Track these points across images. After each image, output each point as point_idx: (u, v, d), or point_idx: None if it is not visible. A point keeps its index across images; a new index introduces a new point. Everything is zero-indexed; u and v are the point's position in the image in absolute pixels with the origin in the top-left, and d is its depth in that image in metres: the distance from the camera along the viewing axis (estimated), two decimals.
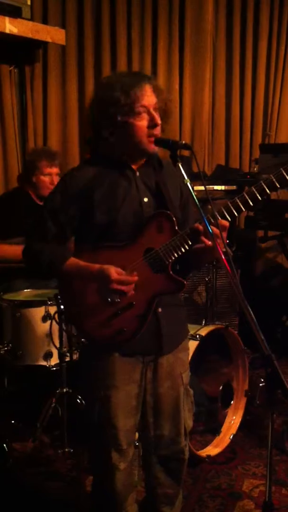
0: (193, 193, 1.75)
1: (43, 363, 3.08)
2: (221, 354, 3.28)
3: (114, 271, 1.83)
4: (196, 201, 1.72)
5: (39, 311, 3.06)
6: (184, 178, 1.77)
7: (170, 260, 1.89)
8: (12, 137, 4.05)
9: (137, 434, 2.19)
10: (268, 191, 1.81)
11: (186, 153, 4.16)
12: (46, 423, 3.03)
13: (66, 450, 2.96)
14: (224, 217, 1.85)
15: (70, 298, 2.01)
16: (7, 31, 3.58)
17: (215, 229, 1.74)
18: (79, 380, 2.97)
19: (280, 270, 4.94)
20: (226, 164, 4.99)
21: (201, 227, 1.82)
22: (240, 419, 3.14)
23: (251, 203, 1.83)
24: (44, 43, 4.00)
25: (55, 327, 2.99)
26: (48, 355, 3.06)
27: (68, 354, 3.00)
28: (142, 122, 1.86)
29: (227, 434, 3.08)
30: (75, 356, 3.09)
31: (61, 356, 2.96)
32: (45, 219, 1.96)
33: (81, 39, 4.34)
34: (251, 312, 1.50)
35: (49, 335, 3.03)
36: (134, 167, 1.97)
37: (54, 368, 3.06)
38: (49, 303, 3.05)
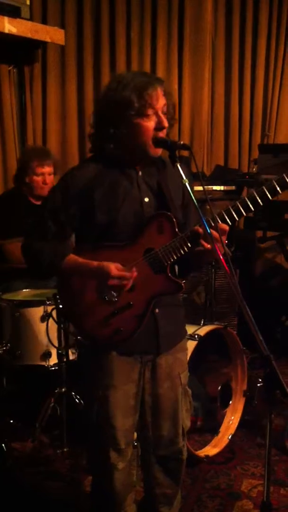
0: (191, 194, 1.75)
1: (42, 363, 3.08)
2: (220, 354, 3.28)
3: (113, 267, 1.84)
4: (195, 202, 1.72)
5: (38, 311, 3.07)
6: (182, 178, 1.77)
7: (169, 262, 1.89)
8: (11, 137, 4.05)
9: (135, 434, 2.19)
10: (269, 196, 1.81)
11: (185, 153, 4.16)
12: (45, 423, 3.03)
13: (65, 450, 2.97)
14: (224, 221, 1.85)
15: (69, 297, 2.02)
16: (6, 31, 3.58)
17: (214, 232, 1.75)
18: (78, 380, 2.98)
19: (279, 270, 4.94)
20: (225, 164, 4.99)
21: (201, 230, 1.82)
22: (238, 419, 3.14)
23: (252, 207, 1.83)
24: (43, 43, 4.00)
25: (54, 327, 2.99)
26: (46, 355, 3.06)
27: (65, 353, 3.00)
28: (150, 124, 1.86)
29: (225, 434, 3.08)
30: (73, 356, 3.10)
31: (59, 356, 2.97)
32: (45, 218, 1.95)
33: (80, 39, 4.34)
34: (250, 313, 1.50)
35: (48, 335, 3.02)
36: (137, 166, 1.97)
37: (53, 368, 3.06)
38: (48, 303, 3.05)
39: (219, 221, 1.83)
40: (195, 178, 2.06)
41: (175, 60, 4.70)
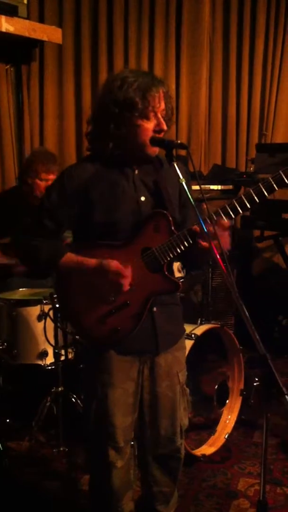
0: (188, 193, 1.75)
1: (39, 362, 3.08)
2: (216, 353, 3.28)
3: (113, 263, 1.84)
4: (192, 201, 1.72)
5: (35, 310, 3.06)
6: (179, 177, 1.77)
7: (166, 261, 1.89)
8: (8, 136, 4.05)
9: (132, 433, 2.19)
10: (266, 193, 1.80)
11: (183, 152, 4.17)
12: (42, 422, 3.03)
13: (62, 449, 2.96)
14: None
15: (66, 296, 2.02)
16: (3, 29, 3.58)
17: (212, 229, 1.74)
18: (75, 379, 2.98)
19: (277, 269, 4.95)
20: (222, 164, 4.99)
21: (198, 229, 1.82)
22: (235, 418, 3.14)
23: (248, 205, 1.83)
24: (41, 42, 4.00)
25: (51, 326, 2.99)
26: (43, 354, 3.06)
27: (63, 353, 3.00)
28: (149, 125, 1.87)
29: (222, 433, 3.08)
30: (70, 355, 3.10)
31: (56, 355, 2.97)
32: (42, 217, 1.95)
33: (77, 38, 4.34)
34: (246, 312, 1.50)
35: (45, 334, 3.02)
36: (133, 165, 1.97)
37: (50, 367, 3.06)
38: (45, 302, 3.04)
39: (223, 216, 1.82)
40: (192, 177, 2.06)
41: (172, 59, 4.70)
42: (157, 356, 2.03)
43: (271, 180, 1.79)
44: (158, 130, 1.88)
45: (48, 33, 3.91)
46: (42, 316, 3.04)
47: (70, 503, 2.60)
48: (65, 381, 3.01)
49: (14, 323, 3.08)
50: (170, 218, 1.90)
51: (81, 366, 2.59)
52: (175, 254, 1.88)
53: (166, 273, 1.91)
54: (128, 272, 1.85)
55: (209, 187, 4.25)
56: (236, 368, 3.16)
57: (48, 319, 3.00)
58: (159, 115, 1.88)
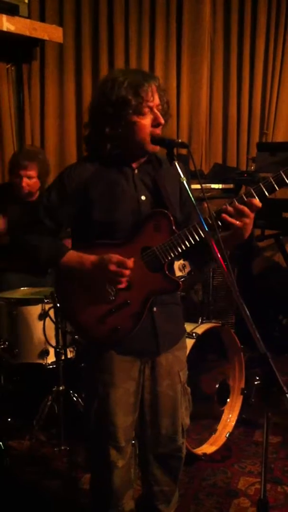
0: (189, 192, 1.75)
1: (40, 361, 3.08)
2: (217, 352, 3.28)
3: (115, 255, 1.83)
4: (193, 200, 1.72)
5: (36, 309, 3.06)
6: (180, 176, 1.77)
7: (167, 260, 1.89)
8: (9, 135, 4.05)
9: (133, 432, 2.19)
10: (267, 193, 1.81)
11: (184, 151, 4.16)
12: (43, 421, 3.03)
13: (63, 448, 2.97)
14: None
15: (66, 295, 2.02)
16: (4, 29, 3.58)
17: (256, 201, 1.77)
18: (75, 378, 2.98)
19: (277, 268, 4.95)
20: (223, 163, 4.99)
21: (230, 208, 1.80)
22: (236, 417, 3.14)
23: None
24: (42, 41, 4.00)
25: (52, 325, 2.99)
26: (44, 353, 3.06)
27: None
28: (147, 121, 1.87)
29: (223, 432, 3.09)
30: (71, 354, 3.10)
31: (57, 354, 2.97)
32: (41, 216, 1.95)
33: (78, 37, 4.34)
34: (247, 311, 1.50)
35: (45, 333, 3.02)
36: (133, 165, 1.97)
37: (51, 366, 3.06)
38: (46, 301, 3.04)
39: (245, 198, 1.81)
40: (193, 176, 2.06)
41: (173, 58, 4.70)
42: (158, 356, 2.03)
43: (272, 180, 1.79)
44: (155, 124, 1.88)
45: (49, 32, 3.91)
46: (43, 315, 3.04)
47: (70, 502, 2.61)
48: (66, 380, 3.01)
49: (15, 322, 3.08)
50: (171, 218, 1.90)
51: (82, 365, 2.59)
52: (176, 253, 1.88)
53: (167, 272, 1.91)
54: (130, 263, 1.84)
55: (210, 186, 4.25)
56: (237, 367, 3.16)
57: (48, 318, 3.01)
58: (155, 110, 1.88)
